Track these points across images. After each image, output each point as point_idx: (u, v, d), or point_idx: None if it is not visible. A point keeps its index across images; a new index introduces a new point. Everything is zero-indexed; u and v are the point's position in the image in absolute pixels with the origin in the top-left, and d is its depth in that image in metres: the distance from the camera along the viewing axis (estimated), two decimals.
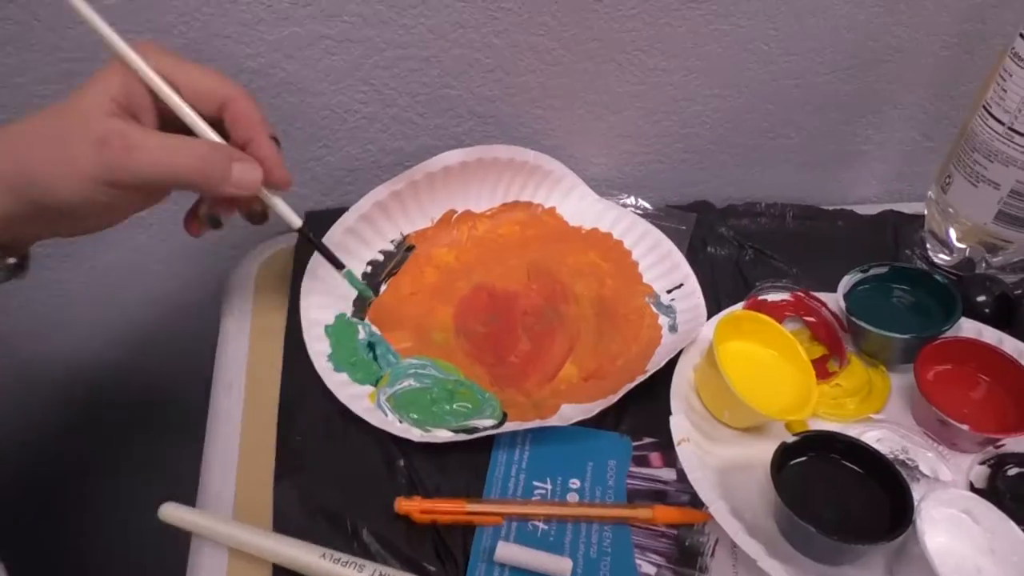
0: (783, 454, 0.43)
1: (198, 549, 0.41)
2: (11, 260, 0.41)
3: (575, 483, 0.45)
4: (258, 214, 0.45)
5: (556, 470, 0.46)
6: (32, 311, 0.63)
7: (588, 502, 0.44)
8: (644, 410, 0.49)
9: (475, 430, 0.46)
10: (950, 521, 0.41)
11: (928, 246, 0.62)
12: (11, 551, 0.78)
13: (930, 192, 0.62)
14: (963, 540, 0.41)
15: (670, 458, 0.46)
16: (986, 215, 0.56)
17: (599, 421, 0.48)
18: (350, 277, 0.48)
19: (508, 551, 0.41)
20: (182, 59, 0.40)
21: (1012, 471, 0.46)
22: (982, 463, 0.47)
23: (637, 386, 0.48)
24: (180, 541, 0.42)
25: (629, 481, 0.45)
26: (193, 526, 0.41)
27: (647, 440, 0.48)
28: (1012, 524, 0.41)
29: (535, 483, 0.45)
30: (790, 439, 0.44)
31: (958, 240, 0.60)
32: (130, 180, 0.37)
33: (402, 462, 0.45)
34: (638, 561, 0.42)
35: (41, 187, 0.36)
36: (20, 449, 0.69)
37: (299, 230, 0.45)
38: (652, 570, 0.41)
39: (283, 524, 0.41)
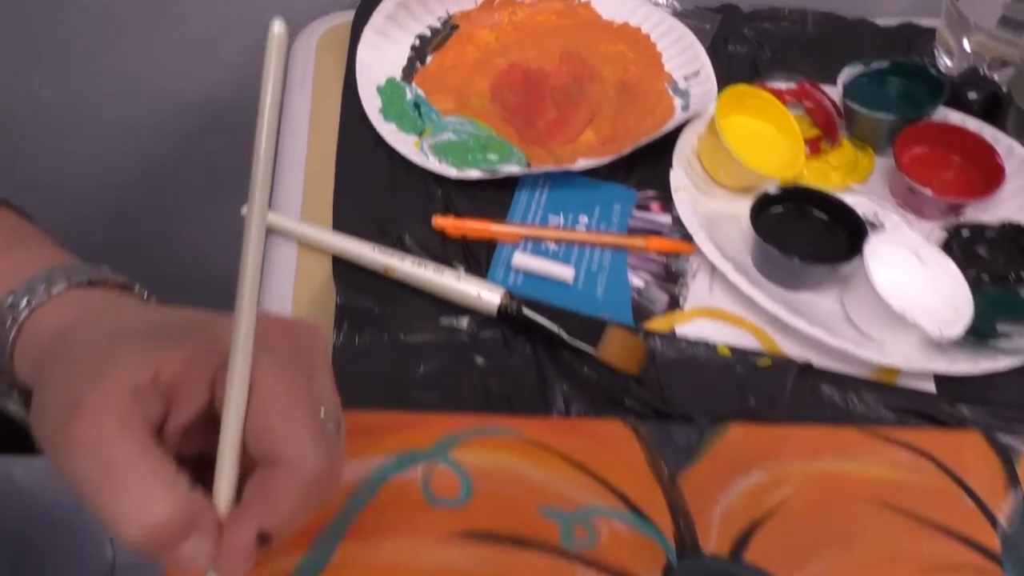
0: (763, 200, 0.51)
1: (271, 244, 0.51)
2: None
3: (584, 219, 0.53)
4: None
5: (569, 208, 0.54)
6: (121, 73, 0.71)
7: (593, 230, 0.52)
8: (650, 169, 0.56)
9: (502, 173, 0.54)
10: (898, 258, 0.48)
11: (936, 54, 0.66)
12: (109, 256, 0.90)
13: None
14: (908, 276, 0.48)
15: (668, 207, 0.54)
16: (991, 18, 0.60)
17: (610, 175, 0.55)
18: None
19: (523, 259, 0.50)
20: (296, 389, 0.28)
21: (966, 233, 0.53)
22: (942, 229, 0.54)
23: (647, 150, 0.55)
24: None
25: (630, 221, 0.53)
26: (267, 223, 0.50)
27: (650, 192, 0.55)
28: (953, 265, 0.48)
29: (550, 215, 0.53)
30: (772, 190, 0.51)
31: (965, 49, 0.64)
32: (59, 471, 0.27)
33: (439, 192, 0.53)
34: (630, 277, 0.50)
35: (34, 394, 0.30)
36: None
37: None
38: (641, 284, 0.50)
39: (340, 229, 0.51)
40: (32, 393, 0.30)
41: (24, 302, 0.30)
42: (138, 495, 0.25)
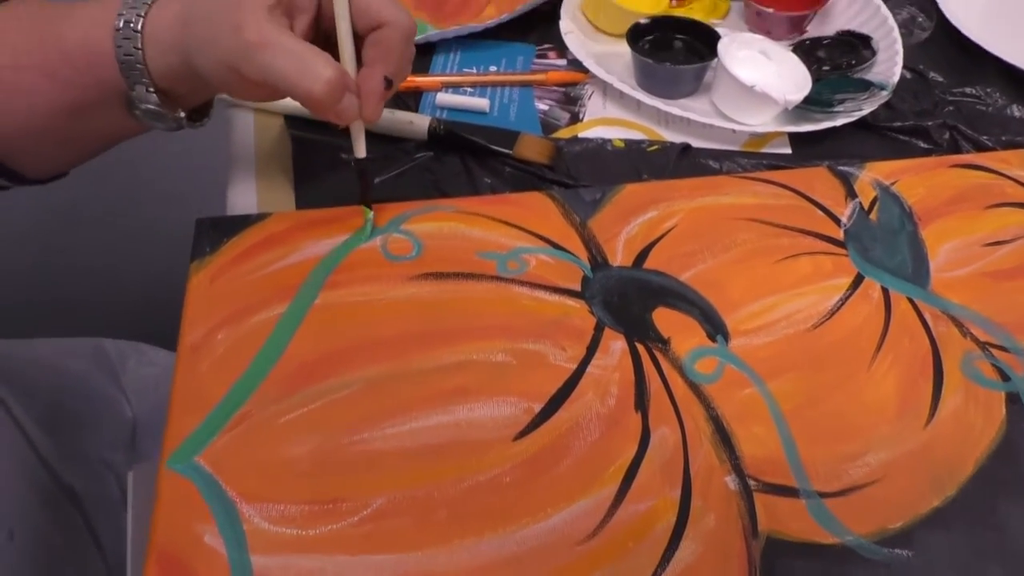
0: (636, 29, 0.61)
1: (232, 114, 0.59)
2: (181, 113, 0.44)
3: (493, 68, 0.63)
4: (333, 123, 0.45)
5: (479, 63, 0.63)
6: None
7: (502, 72, 0.62)
8: (545, 29, 0.66)
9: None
10: (750, 59, 0.59)
11: None
12: None
13: None
14: (758, 68, 0.59)
15: (562, 54, 0.64)
16: None
17: (511, 38, 0.65)
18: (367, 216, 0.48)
19: (445, 97, 0.59)
20: None
21: (807, 43, 0.64)
22: (790, 45, 0.65)
23: (540, 16, 0.65)
24: None
25: (532, 68, 0.63)
26: None
27: (547, 46, 0.65)
28: (795, 56, 0.59)
29: (464, 70, 0.62)
30: (643, 20, 0.61)
31: None
32: (252, 74, 0.38)
33: None
34: (537, 104, 0.60)
35: (193, 57, 0.40)
36: None
37: (358, 159, 0.47)
38: (546, 107, 0.60)
39: None
40: (169, 87, 0.42)
41: (134, 15, 0.39)
42: (313, 65, 0.38)
